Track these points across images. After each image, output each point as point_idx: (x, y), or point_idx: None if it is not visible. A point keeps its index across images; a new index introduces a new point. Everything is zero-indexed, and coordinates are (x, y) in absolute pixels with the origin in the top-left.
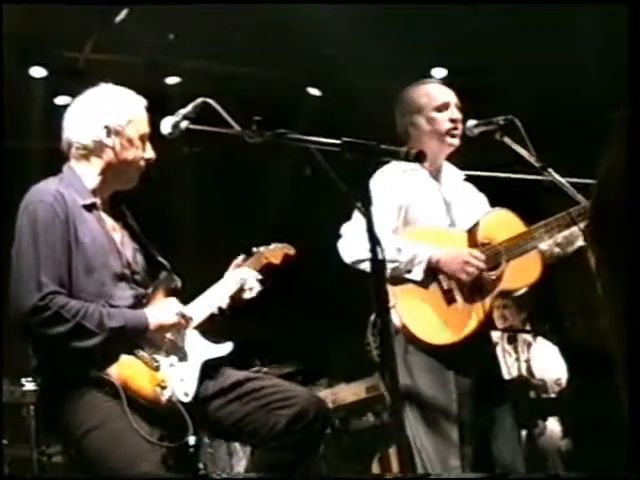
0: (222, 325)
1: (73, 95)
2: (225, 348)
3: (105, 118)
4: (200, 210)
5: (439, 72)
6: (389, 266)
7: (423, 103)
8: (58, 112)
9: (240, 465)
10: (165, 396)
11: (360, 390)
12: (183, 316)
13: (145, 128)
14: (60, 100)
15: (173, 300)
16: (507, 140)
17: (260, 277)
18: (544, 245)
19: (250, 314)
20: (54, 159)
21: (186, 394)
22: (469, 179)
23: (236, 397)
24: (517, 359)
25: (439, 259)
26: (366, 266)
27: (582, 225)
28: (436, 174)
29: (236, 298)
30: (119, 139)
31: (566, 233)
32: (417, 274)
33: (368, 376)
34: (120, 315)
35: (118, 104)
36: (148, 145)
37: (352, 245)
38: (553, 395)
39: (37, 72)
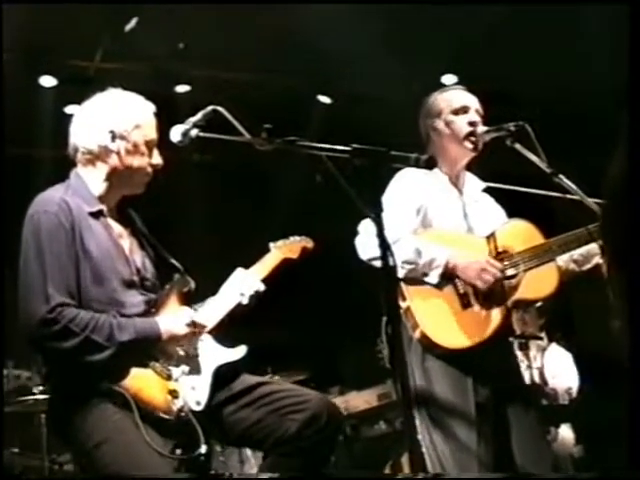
0: (233, 332)
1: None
2: (239, 352)
3: (111, 122)
4: (211, 217)
5: (449, 79)
6: (406, 267)
7: (443, 107)
8: (68, 121)
9: (252, 473)
10: (177, 405)
11: (372, 398)
12: (195, 325)
13: (152, 134)
14: (70, 109)
15: (185, 309)
16: (518, 146)
17: (259, 288)
18: (561, 261)
19: (261, 321)
20: (64, 167)
21: (198, 403)
22: (489, 191)
23: (248, 403)
24: (529, 366)
25: (456, 264)
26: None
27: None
28: (456, 180)
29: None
30: (124, 144)
31: (583, 251)
32: (433, 278)
33: (380, 384)
34: (131, 326)
35: (124, 109)
36: (155, 151)
37: (369, 242)
38: (565, 402)
39: (47, 81)
